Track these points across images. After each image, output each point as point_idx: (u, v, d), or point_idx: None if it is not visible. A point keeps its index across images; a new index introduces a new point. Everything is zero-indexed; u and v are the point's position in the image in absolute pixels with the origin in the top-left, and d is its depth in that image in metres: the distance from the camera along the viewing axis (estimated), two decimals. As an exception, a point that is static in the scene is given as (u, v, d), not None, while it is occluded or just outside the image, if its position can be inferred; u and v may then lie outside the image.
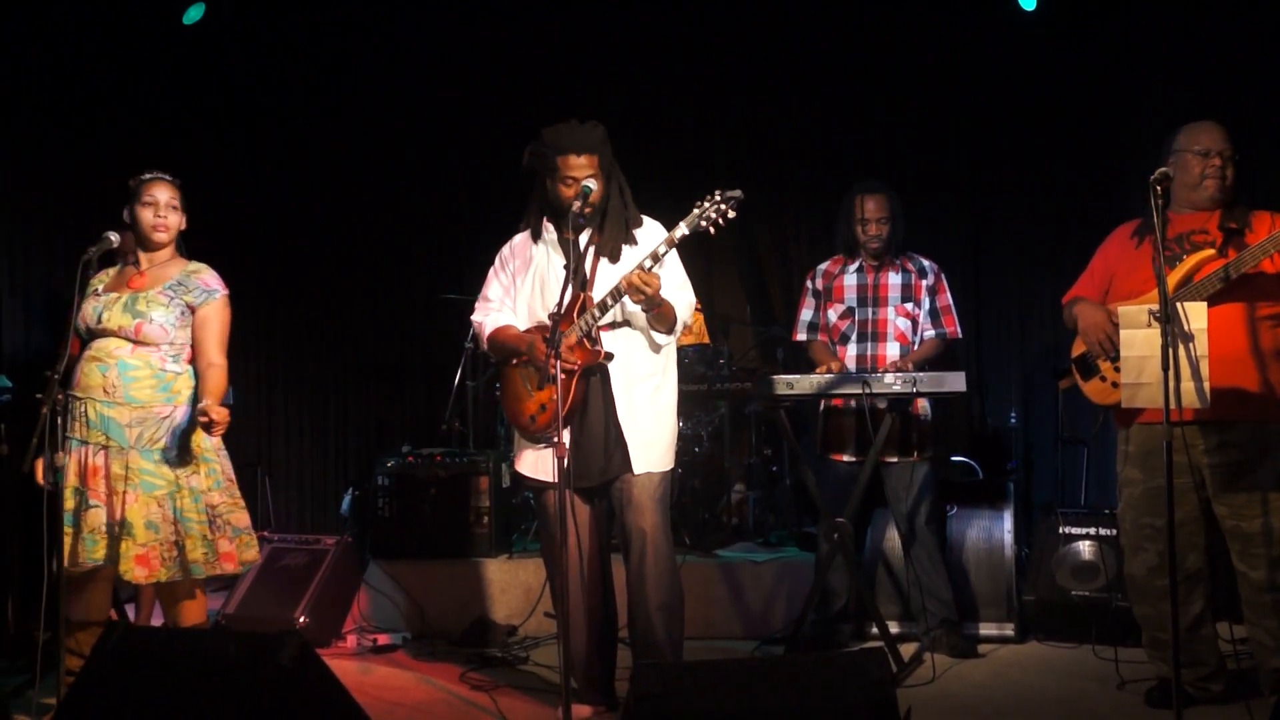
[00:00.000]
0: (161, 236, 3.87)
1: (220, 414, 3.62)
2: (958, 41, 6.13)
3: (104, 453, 3.73)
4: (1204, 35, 5.67)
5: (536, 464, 3.88)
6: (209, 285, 3.90)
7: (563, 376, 3.50)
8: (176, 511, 3.74)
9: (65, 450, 3.70)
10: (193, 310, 3.86)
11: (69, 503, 3.70)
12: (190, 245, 4.01)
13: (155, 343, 3.79)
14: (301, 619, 4.79)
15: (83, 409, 3.73)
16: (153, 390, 3.78)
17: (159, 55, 6.13)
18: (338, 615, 5.09)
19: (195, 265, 3.95)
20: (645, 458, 3.80)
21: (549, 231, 3.91)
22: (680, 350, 5.55)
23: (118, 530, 3.69)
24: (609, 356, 3.76)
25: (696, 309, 4.61)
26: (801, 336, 4.93)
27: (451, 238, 6.71)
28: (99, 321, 3.77)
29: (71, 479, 3.71)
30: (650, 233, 3.87)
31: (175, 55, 6.16)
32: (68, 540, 3.68)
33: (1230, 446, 3.66)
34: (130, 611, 4.75)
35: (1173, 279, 3.61)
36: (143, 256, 3.90)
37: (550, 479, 3.76)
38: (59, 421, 3.59)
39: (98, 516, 3.70)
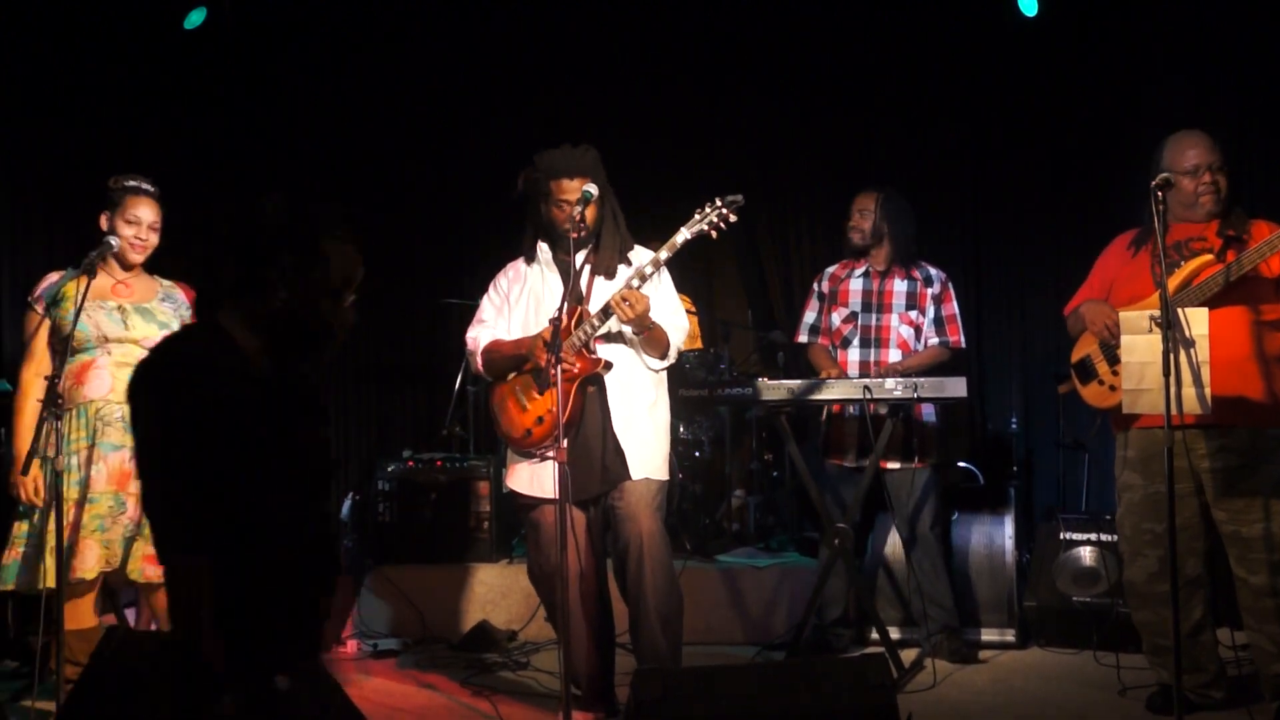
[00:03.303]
0: (137, 257, 3.92)
1: None
2: (959, 46, 6.13)
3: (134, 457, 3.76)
4: (1205, 41, 5.67)
5: (532, 480, 3.87)
6: (187, 300, 4.01)
7: (564, 384, 3.50)
8: None
9: (98, 457, 3.73)
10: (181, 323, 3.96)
11: (101, 506, 3.70)
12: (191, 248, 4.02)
13: None
14: (301, 624, 4.78)
15: (119, 413, 3.76)
16: None
17: (160, 58, 6.12)
18: (338, 620, 5.08)
19: (167, 280, 4.04)
20: (643, 465, 3.80)
21: (543, 252, 3.93)
22: (680, 355, 5.55)
23: (132, 531, 3.74)
24: (608, 365, 3.76)
25: (691, 313, 4.61)
26: (803, 339, 4.94)
27: (453, 243, 6.70)
28: (125, 330, 3.80)
29: (105, 485, 3.72)
30: (641, 257, 3.88)
31: (176, 56, 6.15)
32: (96, 545, 3.68)
33: (1229, 451, 3.65)
34: (130, 616, 4.74)
35: (1172, 284, 3.60)
36: (116, 267, 3.92)
37: (546, 494, 3.76)
38: (57, 426, 3.59)
39: (125, 519, 3.75)
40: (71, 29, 5.75)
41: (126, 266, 3.92)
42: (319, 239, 2.17)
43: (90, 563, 3.68)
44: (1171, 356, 3.25)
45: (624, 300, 3.59)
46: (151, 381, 2.06)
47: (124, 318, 3.81)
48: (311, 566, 2.14)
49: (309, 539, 2.14)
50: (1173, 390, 3.24)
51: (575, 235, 3.69)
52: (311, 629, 2.15)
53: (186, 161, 6.14)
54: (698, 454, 5.73)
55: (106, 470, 3.73)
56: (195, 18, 5.89)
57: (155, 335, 3.83)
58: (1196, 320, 3.39)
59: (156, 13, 5.94)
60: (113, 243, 3.80)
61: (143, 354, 3.80)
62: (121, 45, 5.99)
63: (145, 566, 3.73)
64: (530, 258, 3.96)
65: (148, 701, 2.92)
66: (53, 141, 5.72)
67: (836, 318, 4.82)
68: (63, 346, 3.72)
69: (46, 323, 3.84)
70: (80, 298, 3.71)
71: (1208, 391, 3.35)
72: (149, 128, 6.07)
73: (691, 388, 5.27)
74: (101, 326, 3.79)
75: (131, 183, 3.90)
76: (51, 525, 3.69)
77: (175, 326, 3.90)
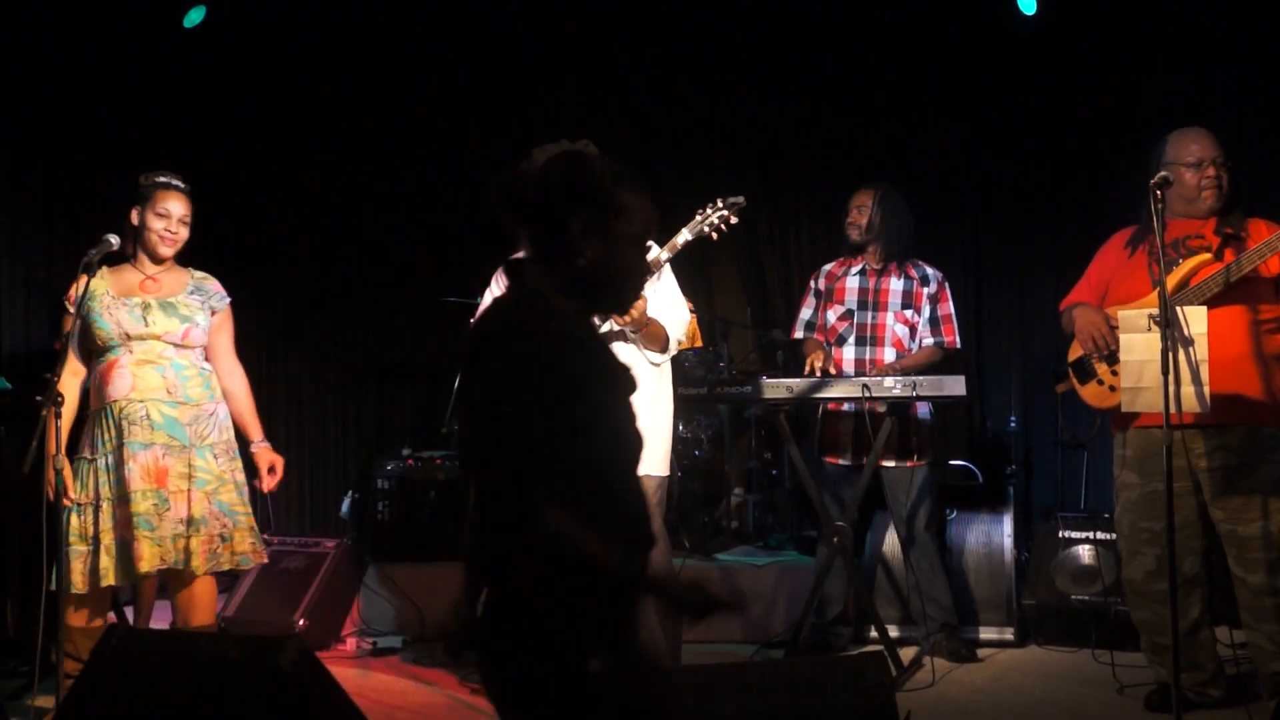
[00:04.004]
0: (167, 251, 3.88)
1: (279, 472, 3.98)
2: (958, 45, 6.13)
3: (169, 453, 3.76)
4: (1204, 40, 5.67)
5: None
6: (221, 291, 4.00)
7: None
8: (221, 505, 3.81)
9: (129, 456, 3.71)
10: (212, 314, 3.94)
11: (141, 505, 3.70)
12: (191, 247, 4.01)
13: (195, 345, 3.87)
14: (301, 622, 4.79)
15: (144, 411, 3.74)
16: (201, 389, 3.85)
17: (160, 56, 6.13)
18: (337, 618, 5.09)
19: (199, 273, 4.00)
20: (643, 461, 3.79)
21: None
22: (680, 354, 5.55)
23: (185, 528, 3.74)
24: (609, 364, 3.76)
25: (691, 312, 4.62)
26: (799, 335, 4.97)
27: (453, 241, 6.70)
28: (145, 326, 3.78)
29: (141, 482, 3.71)
30: None
31: (176, 56, 6.16)
32: (147, 544, 3.68)
33: (1227, 450, 3.66)
34: (129, 614, 4.74)
35: (1170, 282, 3.60)
36: (147, 261, 3.90)
37: None
38: (57, 425, 3.58)
39: (174, 516, 3.74)
40: (71, 28, 5.76)
41: (157, 260, 3.90)
42: (615, 190, 2.11)
43: (144, 559, 3.68)
44: (1170, 355, 3.25)
45: None
46: (483, 348, 2.01)
47: (145, 313, 3.79)
48: (627, 542, 2.06)
49: (626, 513, 2.09)
50: (1171, 389, 3.25)
51: None
52: (625, 608, 2.07)
53: (186, 161, 6.15)
54: (697, 452, 5.73)
55: (139, 469, 3.72)
56: (194, 16, 5.90)
57: (176, 330, 3.80)
58: (1195, 319, 3.40)
59: (156, 12, 5.94)
60: (111, 240, 3.78)
61: (164, 349, 3.82)
62: (121, 44, 6.00)
63: (203, 562, 3.76)
64: None
65: (146, 698, 2.93)
66: (53, 141, 5.72)
67: (832, 315, 4.82)
68: (65, 344, 3.72)
69: (78, 324, 3.83)
70: (80, 296, 3.71)
71: (1206, 390, 3.35)
72: (148, 127, 6.07)
73: (691, 386, 5.27)
74: (123, 324, 3.78)
75: (162, 178, 3.89)
76: (67, 526, 3.71)
77: (199, 320, 3.85)
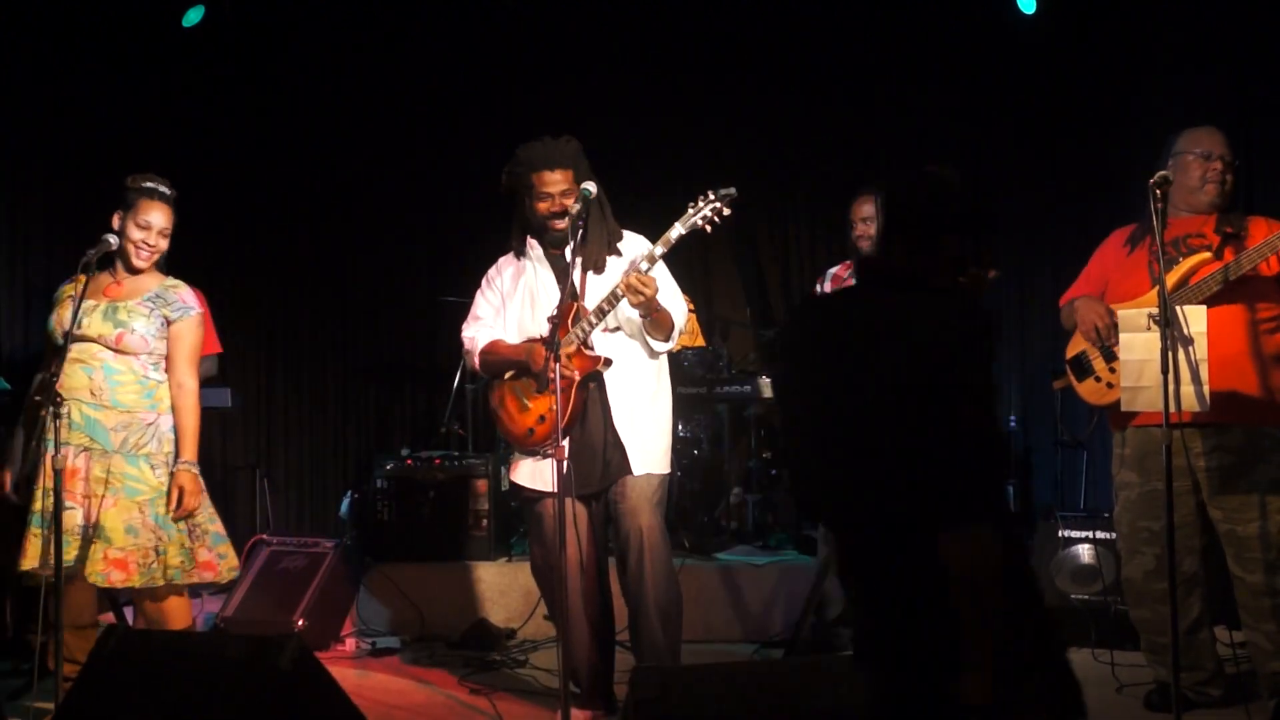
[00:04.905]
0: (142, 263, 3.81)
1: (188, 503, 3.71)
2: (958, 45, 6.13)
3: (85, 455, 3.68)
4: (1204, 40, 5.67)
5: (534, 473, 3.87)
6: (186, 302, 3.86)
7: (563, 383, 3.49)
8: (157, 518, 3.70)
9: (46, 451, 3.62)
10: (168, 324, 3.82)
11: (38, 503, 3.65)
12: (191, 248, 3.99)
13: (135, 352, 3.76)
14: (300, 622, 4.78)
15: (66, 409, 3.64)
16: (137, 396, 3.74)
17: (160, 56, 6.13)
18: (336, 618, 5.09)
19: (172, 280, 3.90)
20: (643, 459, 3.80)
21: (534, 248, 3.91)
22: (679, 353, 5.55)
23: (90, 533, 3.64)
24: (608, 362, 3.75)
25: (690, 310, 4.62)
26: None
27: (451, 240, 6.70)
28: (79, 327, 3.69)
29: (46, 480, 3.63)
30: (631, 244, 3.87)
31: (176, 56, 6.16)
32: (37, 542, 3.64)
33: (1225, 449, 3.65)
34: (129, 614, 4.74)
35: (1169, 281, 3.60)
36: (121, 266, 3.84)
37: (548, 487, 3.75)
38: (57, 425, 3.56)
39: (73, 518, 3.63)
40: (71, 28, 5.76)
41: (131, 269, 3.83)
42: (995, 217, 2.15)
43: (29, 556, 3.64)
44: (1170, 354, 3.25)
45: (630, 287, 3.58)
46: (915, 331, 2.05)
47: (86, 315, 3.72)
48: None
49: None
50: (1171, 388, 3.25)
51: (559, 226, 3.67)
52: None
53: (186, 161, 6.16)
54: (696, 452, 5.73)
55: (45, 468, 3.64)
56: (194, 16, 5.90)
57: (109, 334, 3.71)
58: (1195, 318, 3.40)
59: (156, 12, 5.94)
60: (110, 240, 3.75)
61: (99, 350, 3.72)
62: (121, 44, 6.00)
63: (110, 571, 3.62)
64: (520, 253, 3.95)
65: (145, 698, 2.93)
66: (53, 141, 5.72)
67: (839, 317, 4.81)
68: (64, 343, 3.71)
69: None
70: (80, 296, 3.69)
71: (1206, 389, 3.35)
72: (148, 127, 6.07)
73: (690, 385, 5.27)
74: (64, 323, 3.72)
75: (148, 184, 3.81)
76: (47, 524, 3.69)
77: (139, 326, 3.74)
